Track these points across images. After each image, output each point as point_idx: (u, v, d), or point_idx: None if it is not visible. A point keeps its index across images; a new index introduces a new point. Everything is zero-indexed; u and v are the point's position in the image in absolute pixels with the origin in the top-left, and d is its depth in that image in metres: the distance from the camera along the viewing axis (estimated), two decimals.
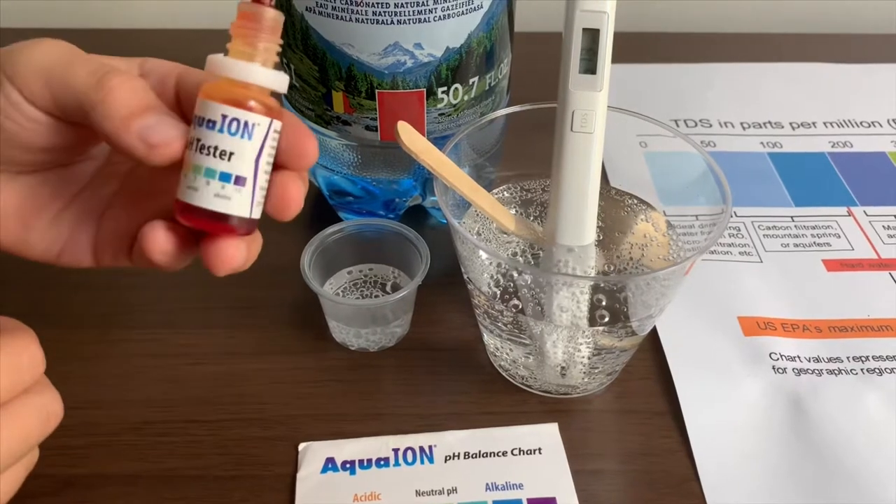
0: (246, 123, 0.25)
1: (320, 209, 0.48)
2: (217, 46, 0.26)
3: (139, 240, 0.26)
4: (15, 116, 0.26)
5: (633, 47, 0.56)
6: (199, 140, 0.25)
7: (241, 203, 0.25)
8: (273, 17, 0.25)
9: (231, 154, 0.25)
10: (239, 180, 0.25)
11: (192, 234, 0.26)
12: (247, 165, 0.25)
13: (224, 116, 0.24)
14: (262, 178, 0.26)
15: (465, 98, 0.41)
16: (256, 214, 0.26)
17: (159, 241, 0.26)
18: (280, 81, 0.25)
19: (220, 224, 0.25)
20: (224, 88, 0.25)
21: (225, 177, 0.25)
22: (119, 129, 0.25)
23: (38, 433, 0.26)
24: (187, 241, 0.26)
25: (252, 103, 0.25)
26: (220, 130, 0.25)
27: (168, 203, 0.27)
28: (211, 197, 0.25)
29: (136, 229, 0.28)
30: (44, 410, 0.26)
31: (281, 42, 0.25)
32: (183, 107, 0.27)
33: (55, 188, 0.29)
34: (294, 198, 0.27)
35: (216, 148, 0.25)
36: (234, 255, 0.26)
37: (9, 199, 0.28)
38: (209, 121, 0.25)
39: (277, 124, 0.25)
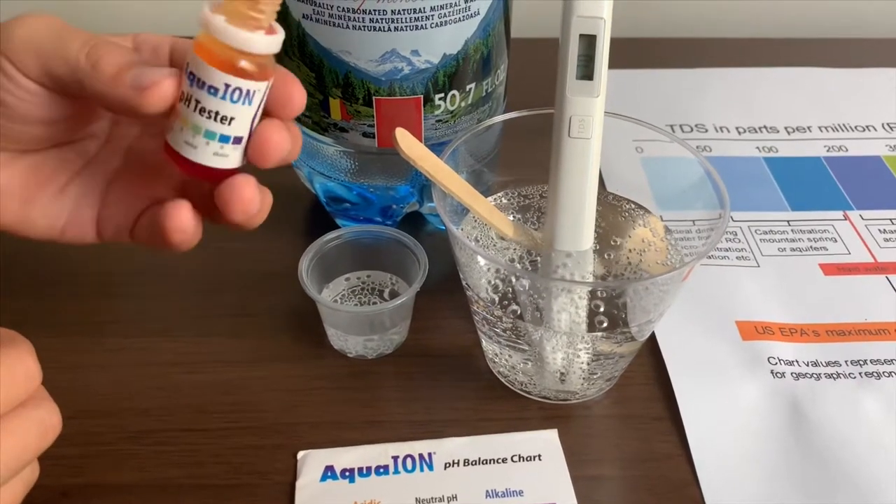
0: (248, 92, 0.26)
1: (318, 216, 0.47)
2: None
3: (160, 217, 0.27)
4: (11, 88, 0.27)
5: (628, 53, 0.56)
6: (198, 102, 0.26)
7: (235, 157, 0.27)
8: None
9: (232, 119, 0.26)
10: (237, 140, 0.26)
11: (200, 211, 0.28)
12: (245, 126, 0.26)
13: (227, 86, 0.25)
14: (253, 129, 0.27)
15: (462, 104, 0.41)
16: (245, 160, 0.27)
17: (183, 221, 0.27)
18: (278, 42, 0.26)
19: (215, 173, 0.27)
20: (226, 54, 0.25)
21: (224, 139, 0.26)
22: (111, 85, 0.26)
23: (36, 446, 0.26)
24: (199, 218, 0.28)
25: (254, 71, 0.25)
26: (223, 98, 0.25)
27: (171, 179, 0.28)
28: (210, 156, 0.26)
29: (138, 205, 0.30)
30: (42, 423, 0.26)
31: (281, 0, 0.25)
32: None
33: (58, 165, 0.30)
34: (275, 144, 0.27)
35: (217, 113, 0.26)
36: (251, 197, 0.27)
37: (11, 177, 0.28)
38: (211, 87, 0.25)
39: (271, 81, 0.26)
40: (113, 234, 0.30)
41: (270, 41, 0.25)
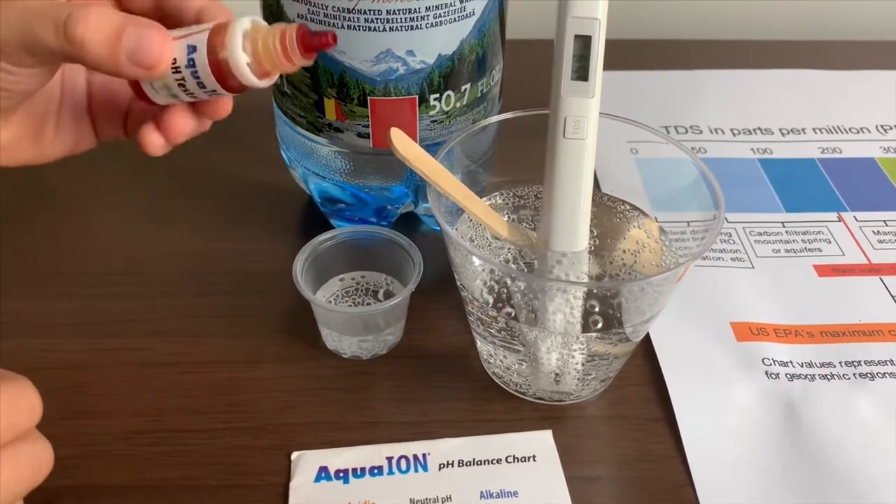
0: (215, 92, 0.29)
1: (312, 216, 0.47)
2: None
3: (140, 143, 0.31)
4: (13, 79, 0.28)
5: (623, 54, 0.56)
6: (183, 80, 0.29)
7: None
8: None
9: (197, 97, 0.30)
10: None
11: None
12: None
13: (214, 91, 0.29)
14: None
15: (458, 105, 0.41)
16: None
17: (154, 142, 0.31)
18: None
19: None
20: (231, 80, 0.28)
21: (181, 100, 0.30)
22: (114, 67, 0.27)
23: (29, 481, 0.26)
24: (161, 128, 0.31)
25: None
26: (204, 92, 0.29)
27: None
28: (167, 101, 0.30)
29: (119, 99, 0.33)
30: (37, 457, 0.26)
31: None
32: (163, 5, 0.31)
33: (44, 103, 0.32)
34: (179, 128, 0.31)
35: (191, 94, 0.29)
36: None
37: (18, 127, 0.31)
38: (201, 83, 0.29)
39: None
40: (112, 133, 0.34)
41: (267, 81, 0.29)
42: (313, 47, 0.28)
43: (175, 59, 0.28)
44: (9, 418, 0.25)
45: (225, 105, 0.31)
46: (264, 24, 0.28)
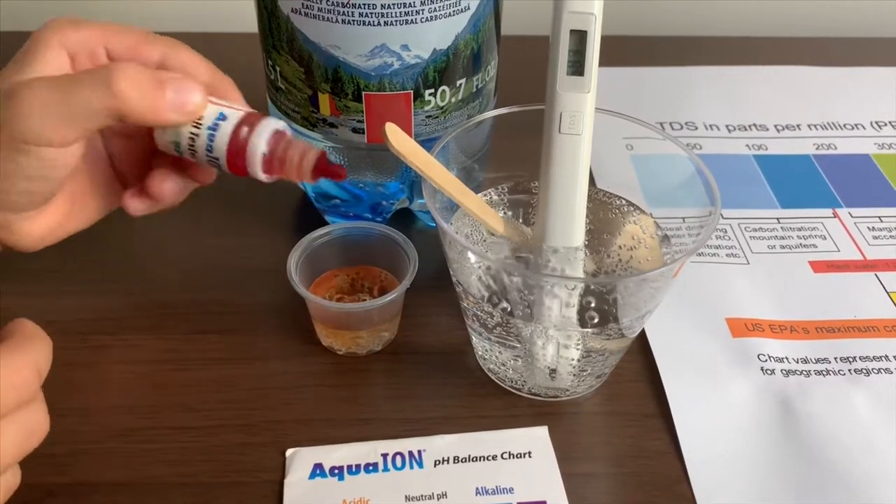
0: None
1: (307, 213, 0.47)
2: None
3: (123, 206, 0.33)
4: (50, 164, 0.29)
5: (619, 50, 0.56)
6: (194, 138, 0.31)
7: None
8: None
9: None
10: None
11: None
12: None
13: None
14: None
15: (453, 100, 0.41)
16: None
17: (132, 207, 0.34)
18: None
19: None
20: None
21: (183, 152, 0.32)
22: (154, 115, 0.29)
23: (20, 447, 0.26)
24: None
25: None
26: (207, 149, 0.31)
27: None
28: (167, 147, 0.32)
29: (140, 156, 0.34)
30: (27, 425, 0.26)
31: None
32: None
33: (77, 184, 0.33)
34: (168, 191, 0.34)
35: (196, 153, 0.31)
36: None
37: (57, 216, 0.33)
38: (211, 147, 0.31)
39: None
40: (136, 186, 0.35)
41: (265, 177, 0.32)
42: (323, 173, 0.31)
43: (202, 117, 0.30)
44: (5, 393, 0.25)
45: (210, 173, 0.33)
46: (291, 133, 0.32)
